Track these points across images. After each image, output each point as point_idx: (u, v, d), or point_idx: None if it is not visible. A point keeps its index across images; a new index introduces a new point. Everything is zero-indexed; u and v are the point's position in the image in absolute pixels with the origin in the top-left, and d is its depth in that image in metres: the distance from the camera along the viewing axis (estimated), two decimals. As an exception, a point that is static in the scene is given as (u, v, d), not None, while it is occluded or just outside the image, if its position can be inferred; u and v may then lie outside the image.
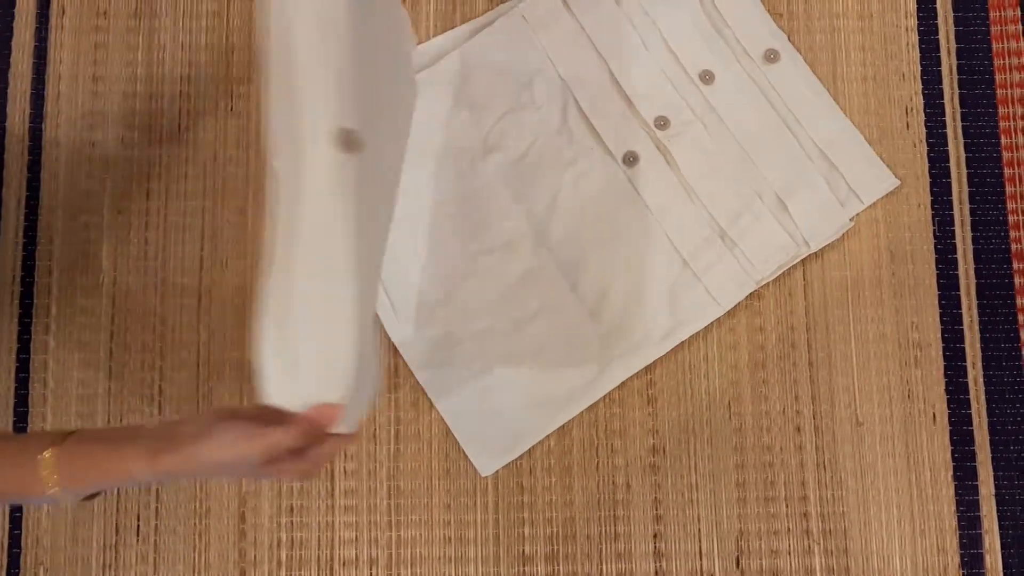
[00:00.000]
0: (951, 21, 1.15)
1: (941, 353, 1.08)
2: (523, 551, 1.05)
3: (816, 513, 1.06)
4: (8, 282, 1.08)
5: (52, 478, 0.70)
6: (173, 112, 1.11)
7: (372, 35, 0.81)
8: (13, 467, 0.71)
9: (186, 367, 1.07)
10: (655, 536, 1.05)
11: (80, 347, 1.07)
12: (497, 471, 1.05)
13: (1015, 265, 1.10)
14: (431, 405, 1.06)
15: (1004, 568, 1.05)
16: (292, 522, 1.05)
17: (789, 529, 1.05)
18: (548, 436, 1.06)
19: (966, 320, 1.09)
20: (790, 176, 1.10)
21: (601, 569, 1.04)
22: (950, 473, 1.06)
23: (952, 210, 1.11)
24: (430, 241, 1.08)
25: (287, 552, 1.04)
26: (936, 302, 1.09)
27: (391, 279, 1.06)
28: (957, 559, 1.05)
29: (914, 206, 1.11)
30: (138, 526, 1.04)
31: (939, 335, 1.09)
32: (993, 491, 1.06)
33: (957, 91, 1.13)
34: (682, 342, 1.07)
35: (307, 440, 0.70)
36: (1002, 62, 1.13)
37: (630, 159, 1.10)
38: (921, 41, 1.14)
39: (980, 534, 1.05)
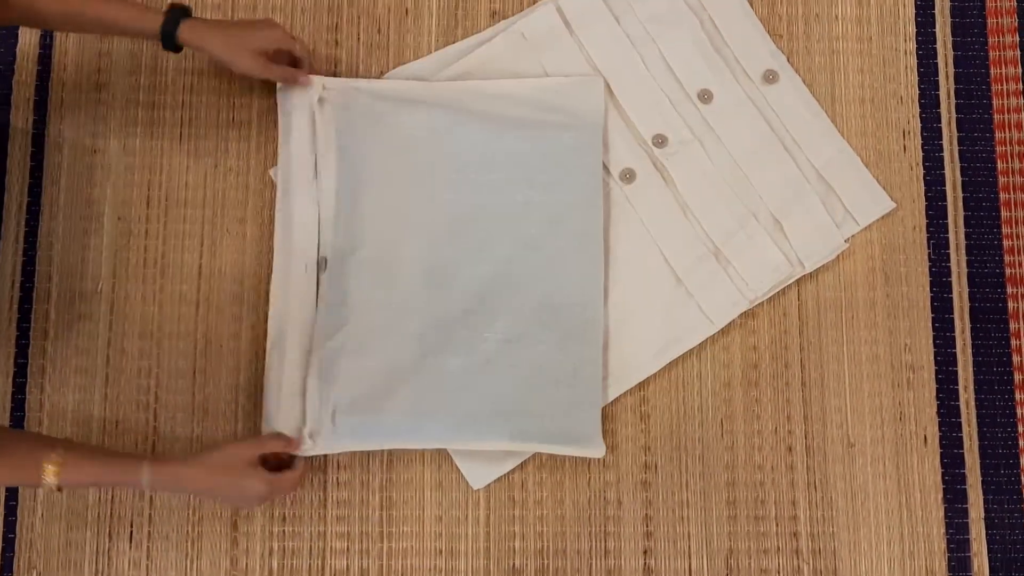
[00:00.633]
0: (950, 45, 1.15)
1: (933, 375, 1.09)
2: (514, 564, 1.05)
3: (806, 532, 1.06)
4: (7, 287, 1.09)
5: (50, 480, 0.87)
6: (175, 121, 1.12)
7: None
8: (20, 468, 0.87)
9: (183, 375, 1.07)
10: (645, 552, 1.06)
11: (78, 353, 1.08)
12: (489, 484, 1.06)
13: (1009, 289, 1.11)
14: (425, 417, 1.07)
15: (992, 591, 1.05)
16: (284, 531, 1.05)
17: (779, 548, 1.06)
18: (540, 451, 1.06)
19: (959, 343, 1.10)
20: (786, 196, 1.10)
21: (590, 584, 1.05)
22: (940, 495, 1.07)
23: (947, 233, 1.12)
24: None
25: (279, 561, 1.05)
26: (930, 325, 1.10)
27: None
28: (945, 582, 1.06)
29: (909, 228, 1.12)
30: (131, 532, 1.05)
31: (932, 357, 1.09)
32: (982, 514, 1.06)
33: (954, 115, 1.14)
34: (675, 359, 1.08)
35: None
36: (1000, 87, 1.14)
37: (627, 176, 1.11)
38: (920, 65, 1.15)
39: (969, 557, 1.06)
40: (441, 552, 1.05)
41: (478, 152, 1.08)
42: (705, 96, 1.12)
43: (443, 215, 1.07)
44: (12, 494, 1.05)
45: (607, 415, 1.07)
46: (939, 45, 1.15)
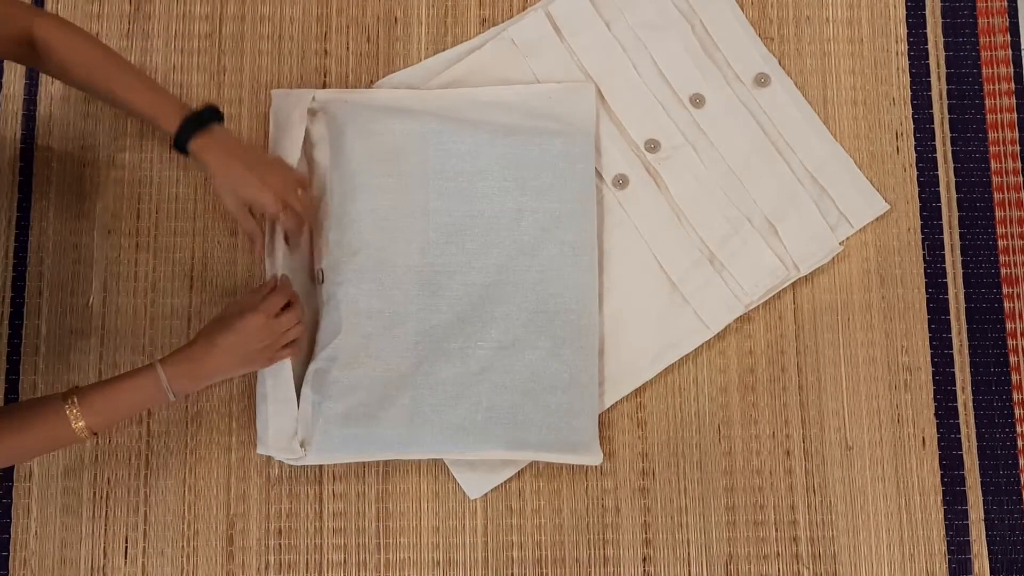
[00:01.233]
0: (941, 46, 1.15)
1: (931, 377, 1.09)
2: (512, 574, 1.04)
3: (805, 537, 1.05)
4: (-2, 302, 1.08)
5: (79, 424, 0.87)
6: (164, 134, 1.11)
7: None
8: (45, 423, 0.87)
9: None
10: (644, 560, 1.05)
11: (69, 368, 1.07)
12: (486, 493, 1.05)
13: (1005, 290, 1.10)
14: (420, 427, 1.06)
15: (993, 593, 1.05)
16: (281, 544, 1.04)
17: (778, 553, 1.05)
18: (537, 459, 1.06)
19: (956, 344, 1.09)
20: (780, 200, 1.10)
21: (590, 593, 1.04)
22: (939, 497, 1.06)
23: (942, 234, 1.11)
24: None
25: (275, 575, 1.04)
26: (926, 326, 1.09)
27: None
28: (946, 584, 1.05)
29: (904, 230, 1.11)
30: (126, 548, 1.04)
31: (929, 359, 1.09)
32: (982, 516, 1.06)
33: (947, 116, 1.13)
34: (672, 365, 1.08)
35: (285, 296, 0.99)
36: (992, 87, 1.14)
37: (620, 182, 1.10)
38: (911, 66, 1.14)
39: (969, 559, 1.05)
40: (439, 563, 1.05)
41: (470, 160, 1.08)
42: (697, 100, 1.12)
43: (436, 224, 1.07)
44: (5, 511, 1.04)
45: (604, 422, 1.07)
46: (930, 46, 1.15)
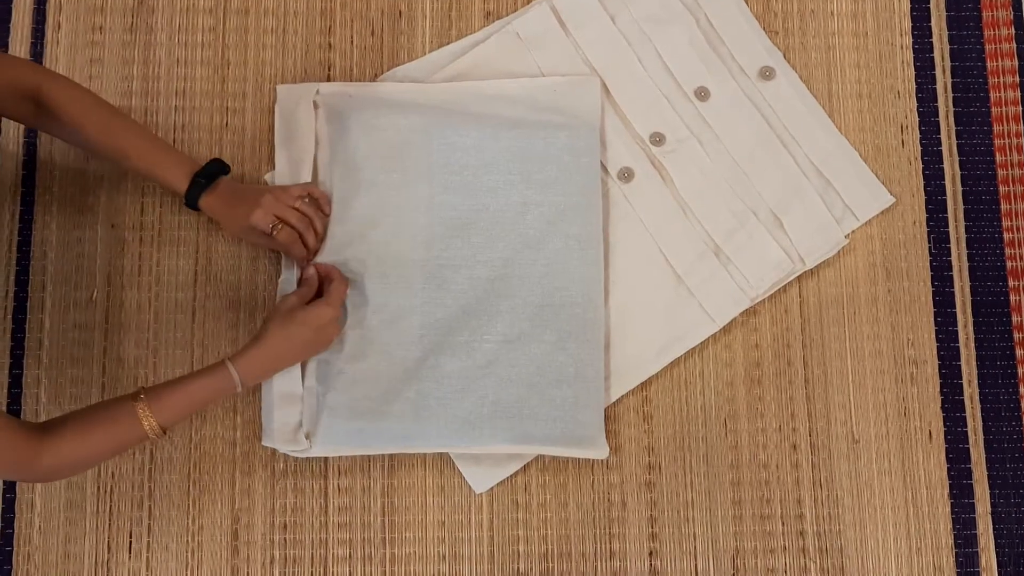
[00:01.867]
0: (946, 39, 1.15)
1: (937, 370, 1.08)
2: (518, 568, 1.04)
3: (812, 531, 1.05)
4: (1, 296, 1.07)
5: (151, 423, 0.88)
6: (168, 126, 1.11)
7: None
8: (116, 423, 0.88)
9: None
10: (651, 554, 1.05)
11: (73, 362, 1.06)
12: (492, 488, 1.05)
13: (1011, 282, 1.10)
14: (426, 421, 1.06)
15: (1001, 587, 1.05)
16: (286, 539, 1.04)
17: (785, 547, 1.05)
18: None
19: (962, 337, 1.09)
20: (785, 193, 1.10)
21: (596, 587, 1.04)
22: (946, 491, 1.06)
23: (948, 227, 1.11)
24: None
25: (280, 569, 1.03)
26: (932, 319, 1.09)
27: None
28: (953, 578, 1.05)
29: (909, 223, 1.11)
30: (130, 543, 1.04)
31: (935, 352, 1.09)
32: (989, 509, 1.06)
33: (952, 109, 1.13)
34: (677, 358, 1.07)
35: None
36: (997, 80, 1.14)
37: (625, 175, 1.10)
38: (916, 59, 1.14)
39: (976, 552, 1.05)
40: (444, 557, 1.04)
41: (475, 153, 1.07)
42: (702, 94, 1.12)
43: (441, 217, 1.06)
44: (9, 505, 1.04)
45: (610, 416, 1.06)
46: (935, 39, 1.15)
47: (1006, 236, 1.11)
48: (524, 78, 1.12)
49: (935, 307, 1.10)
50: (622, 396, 1.07)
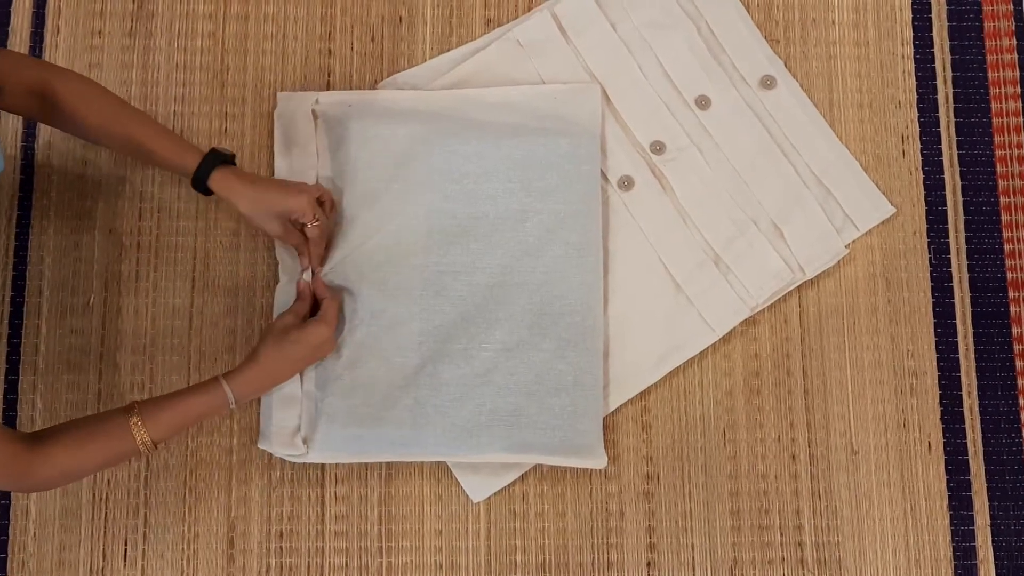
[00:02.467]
0: (947, 49, 1.15)
1: (937, 381, 1.08)
2: (515, 578, 1.04)
3: (811, 542, 1.05)
4: (-2, 302, 1.07)
5: (143, 436, 0.89)
6: (167, 132, 1.11)
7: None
8: (108, 437, 0.89)
9: (176, 389, 1.05)
10: (649, 564, 1.04)
11: (70, 368, 1.06)
12: (489, 497, 1.04)
13: (1011, 294, 1.10)
14: (423, 430, 1.05)
15: (1000, 599, 1.04)
16: (282, 547, 1.03)
17: (784, 558, 1.04)
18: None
19: (962, 348, 1.09)
20: (785, 202, 1.09)
21: (593, 598, 1.04)
22: (945, 503, 1.06)
23: (948, 238, 1.11)
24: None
25: (276, 578, 1.03)
26: (932, 330, 1.09)
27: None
28: (952, 590, 1.04)
29: (910, 233, 1.11)
30: (125, 551, 1.03)
31: (935, 363, 1.08)
32: (988, 521, 1.05)
33: (953, 119, 1.13)
34: (676, 368, 1.07)
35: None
36: (998, 91, 1.14)
37: (625, 183, 1.10)
38: (917, 69, 1.14)
39: (975, 565, 1.04)
40: (441, 567, 1.04)
41: (474, 161, 1.07)
42: (703, 102, 1.11)
43: (440, 224, 1.06)
44: (3, 512, 1.03)
45: (608, 425, 1.06)
46: (936, 49, 1.15)
47: (1007, 247, 1.11)
48: (525, 85, 1.11)
49: (935, 318, 1.09)
50: (621, 405, 1.06)
